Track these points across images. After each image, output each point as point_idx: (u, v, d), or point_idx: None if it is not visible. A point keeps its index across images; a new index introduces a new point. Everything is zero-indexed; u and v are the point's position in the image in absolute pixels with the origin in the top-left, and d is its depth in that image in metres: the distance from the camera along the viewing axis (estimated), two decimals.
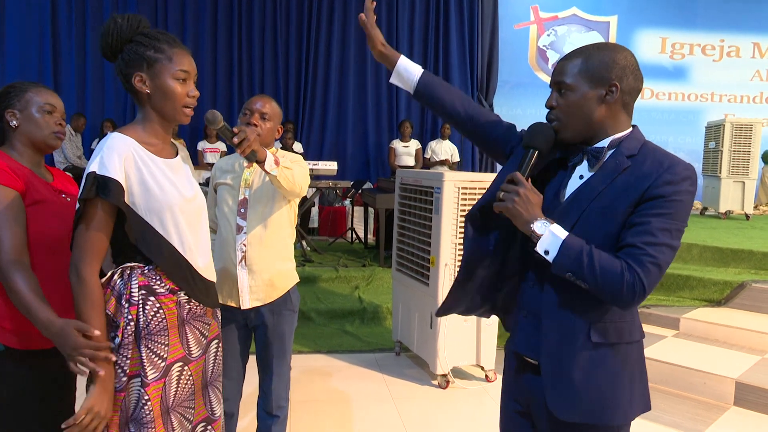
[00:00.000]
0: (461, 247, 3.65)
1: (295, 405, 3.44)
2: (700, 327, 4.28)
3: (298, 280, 2.45)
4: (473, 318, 3.75)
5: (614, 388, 1.39)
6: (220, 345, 1.76)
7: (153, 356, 1.51)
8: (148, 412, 1.48)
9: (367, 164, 9.57)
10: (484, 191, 3.54)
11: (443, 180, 3.60)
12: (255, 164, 2.15)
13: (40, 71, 8.79)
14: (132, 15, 1.58)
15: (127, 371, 1.50)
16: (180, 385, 1.58)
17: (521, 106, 10.07)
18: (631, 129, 1.42)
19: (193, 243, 1.60)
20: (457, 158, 8.58)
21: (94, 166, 1.44)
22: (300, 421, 3.24)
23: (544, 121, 1.48)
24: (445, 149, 8.47)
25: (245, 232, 2.26)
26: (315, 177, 6.77)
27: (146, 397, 1.48)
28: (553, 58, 10.27)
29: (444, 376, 3.73)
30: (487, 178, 3.73)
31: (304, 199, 6.71)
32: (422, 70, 1.69)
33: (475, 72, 9.73)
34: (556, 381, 1.41)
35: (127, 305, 1.49)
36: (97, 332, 1.42)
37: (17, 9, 8.84)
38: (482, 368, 3.87)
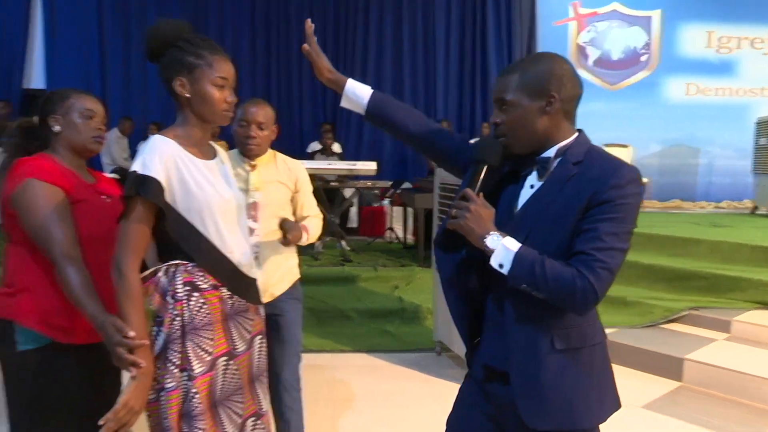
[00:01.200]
0: None
1: (336, 403, 3.46)
2: (753, 330, 4.13)
3: (300, 276, 2.58)
4: None
5: (583, 392, 1.42)
6: (264, 341, 1.81)
7: (199, 350, 1.54)
8: (196, 405, 1.52)
9: (405, 164, 9.57)
10: None
11: None
12: (258, 167, 2.41)
13: (88, 77, 9.08)
14: (176, 20, 1.64)
15: (179, 365, 1.53)
16: (226, 379, 1.62)
17: None
18: (576, 135, 1.44)
19: (233, 241, 1.64)
20: None
21: (136, 166, 1.51)
22: (340, 418, 3.26)
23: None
24: None
25: (257, 234, 2.37)
26: (354, 177, 6.81)
27: (194, 390, 1.52)
28: (594, 54, 10.07)
29: None
30: None
31: (342, 200, 6.76)
32: (372, 91, 1.66)
33: None
34: (525, 390, 1.41)
35: (172, 301, 1.54)
36: (131, 333, 1.45)
37: (67, 18, 9.15)
38: None
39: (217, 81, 1.60)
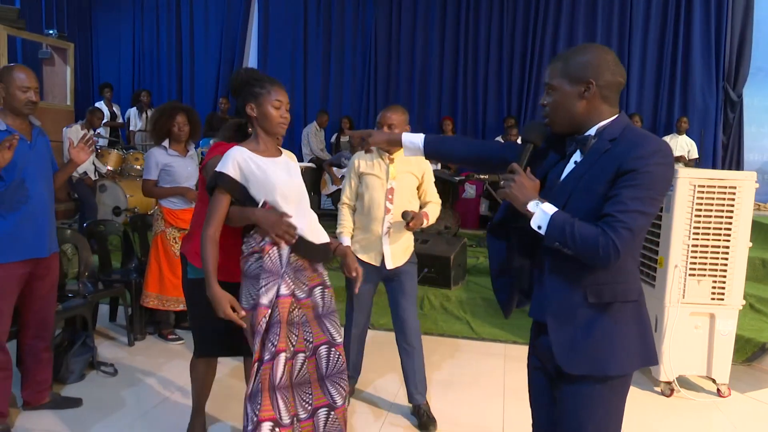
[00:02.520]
0: (694, 248, 3.42)
1: (509, 391, 3.56)
2: None
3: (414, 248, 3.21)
4: (705, 325, 3.49)
5: (612, 342, 1.59)
6: (326, 290, 2.32)
7: (269, 284, 2.13)
8: (276, 316, 2.12)
9: None
10: (723, 189, 3.28)
11: (676, 177, 3.40)
12: (395, 161, 3.02)
13: (293, 76, 10.12)
14: (250, 68, 2.45)
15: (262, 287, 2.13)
16: (293, 312, 2.19)
17: None
18: (616, 116, 1.61)
19: (295, 212, 2.21)
20: (695, 155, 7.86)
21: (219, 166, 2.18)
22: (513, 407, 3.36)
23: None
24: (681, 145, 7.81)
25: (392, 213, 3.02)
26: None
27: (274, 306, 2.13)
28: None
29: (668, 383, 3.53)
30: (727, 176, 3.42)
31: None
32: (423, 136, 2.02)
33: (722, 59, 8.67)
34: (560, 338, 1.62)
35: (249, 249, 2.19)
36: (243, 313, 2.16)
37: (277, 25, 10.30)
38: (714, 381, 3.58)
39: (275, 103, 2.22)
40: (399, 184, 3.03)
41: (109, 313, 4.60)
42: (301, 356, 2.19)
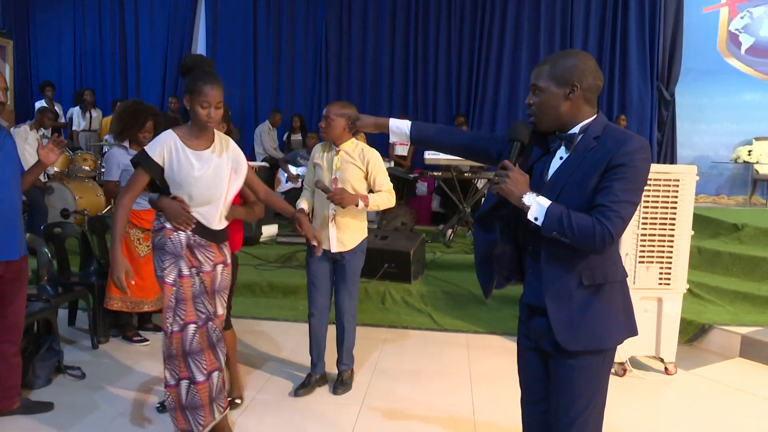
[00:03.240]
0: (643, 237, 3.67)
1: (475, 378, 3.72)
2: None
3: (367, 235, 3.39)
4: (654, 309, 3.75)
5: (605, 319, 1.76)
6: (225, 268, 2.67)
7: (171, 262, 2.50)
8: (183, 292, 2.50)
9: None
10: (668, 182, 3.52)
11: None
12: (341, 152, 3.24)
13: (243, 76, 10.06)
14: (200, 55, 2.54)
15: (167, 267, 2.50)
16: (195, 284, 2.53)
17: (708, 95, 9.37)
18: (595, 115, 1.76)
19: (199, 201, 2.48)
20: None
21: (148, 147, 2.45)
22: (481, 392, 3.51)
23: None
24: None
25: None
26: (487, 168, 6.96)
27: (180, 283, 2.50)
28: (747, 42, 9.42)
29: (621, 364, 3.77)
30: (671, 170, 3.69)
31: (475, 191, 6.95)
32: (409, 122, 2.10)
33: (656, 60, 9.24)
34: (559, 318, 1.75)
35: (159, 231, 2.50)
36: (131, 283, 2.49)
37: (225, 24, 10.18)
38: (662, 360, 3.85)
39: (203, 103, 2.41)
40: (342, 175, 3.25)
41: (68, 317, 4.51)
42: (192, 327, 2.53)
